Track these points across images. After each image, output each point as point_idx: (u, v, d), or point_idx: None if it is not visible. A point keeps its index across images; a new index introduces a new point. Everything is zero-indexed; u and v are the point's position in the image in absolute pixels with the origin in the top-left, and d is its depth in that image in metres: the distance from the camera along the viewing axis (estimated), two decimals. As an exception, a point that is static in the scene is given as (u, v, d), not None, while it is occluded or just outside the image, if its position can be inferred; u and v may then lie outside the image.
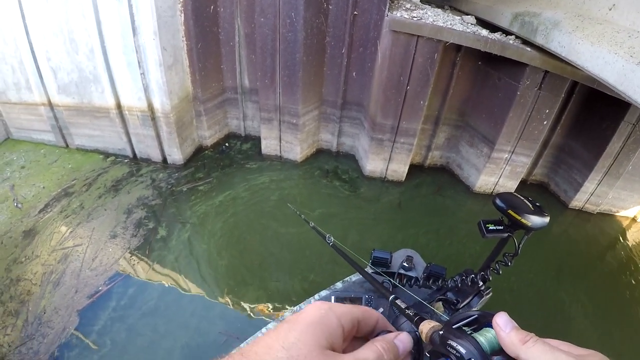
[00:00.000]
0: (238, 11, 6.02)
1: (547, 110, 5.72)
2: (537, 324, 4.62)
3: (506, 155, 6.18)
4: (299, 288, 4.71)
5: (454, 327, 0.67)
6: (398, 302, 1.26)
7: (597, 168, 6.20)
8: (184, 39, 5.79)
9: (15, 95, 6.25)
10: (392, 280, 2.69)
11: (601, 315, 4.92)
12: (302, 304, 2.77)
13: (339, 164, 7.16)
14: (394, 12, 5.44)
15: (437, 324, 0.74)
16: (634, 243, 6.46)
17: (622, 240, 6.48)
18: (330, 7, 5.71)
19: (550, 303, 4.99)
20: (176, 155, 6.45)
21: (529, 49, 5.21)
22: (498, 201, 1.83)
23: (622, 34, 3.66)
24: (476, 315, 0.68)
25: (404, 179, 6.79)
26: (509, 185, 6.59)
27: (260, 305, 4.46)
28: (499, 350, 0.62)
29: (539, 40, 4.89)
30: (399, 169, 6.70)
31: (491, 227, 1.85)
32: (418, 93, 5.86)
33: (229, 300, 4.49)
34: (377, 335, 0.67)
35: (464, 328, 0.66)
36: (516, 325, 0.61)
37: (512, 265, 2.01)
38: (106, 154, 6.61)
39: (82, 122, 6.22)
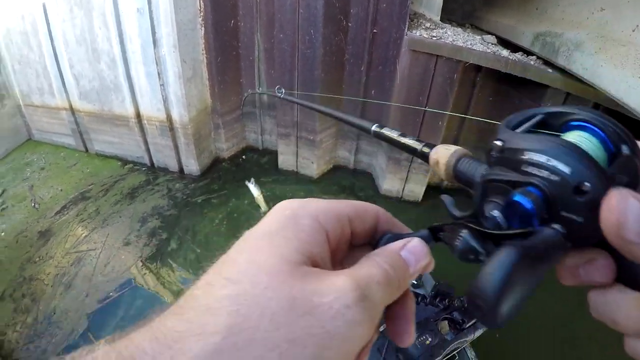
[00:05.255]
0: (258, 26, 6.21)
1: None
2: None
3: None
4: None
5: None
6: (385, 130, 1.03)
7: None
8: (204, 52, 6.01)
9: (38, 99, 6.66)
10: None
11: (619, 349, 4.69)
12: None
13: (356, 181, 7.21)
14: (414, 31, 5.49)
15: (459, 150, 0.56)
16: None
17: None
18: (350, 24, 5.81)
19: (568, 331, 4.89)
20: (193, 166, 6.65)
21: (550, 70, 5.16)
22: None
23: (647, 57, 3.60)
24: (544, 114, 0.46)
25: (420, 200, 6.76)
26: None
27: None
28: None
29: (561, 61, 4.83)
30: (415, 189, 6.68)
31: None
32: (436, 113, 5.84)
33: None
34: (379, 242, 0.46)
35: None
36: None
37: None
38: (124, 161, 6.88)
39: (102, 128, 6.52)
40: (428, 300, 2.50)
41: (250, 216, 5.96)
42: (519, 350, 4.56)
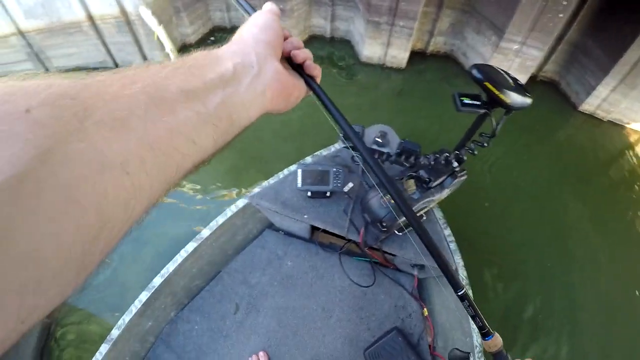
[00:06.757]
0: None
1: (565, 2, 5.20)
2: (537, 219, 4.84)
3: (516, 46, 5.78)
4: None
5: None
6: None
7: (613, 73, 5.72)
8: None
9: None
10: (362, 154, 2.72)
11: (600, 220, 5.00)
12: (270, 179, 2.81)
13: (335, 50, 6.89)
14: None
15: None
16: (641, 158, 6.25)
17: (629, 153, 6.20)
18: None
19: (553, 201, 5.11)
20: (159, 58, 6.22)
21: None
22: (475, 72, 1.64)
23: None
24: None
25: (404, 66, 6.54)
26: (518, 79, 6.07)
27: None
28: None
29: None
30: (398, 54, 6.41)
31: (467, 100, 1.71)
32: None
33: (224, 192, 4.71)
34: None
35: None
36: None
37: (490, 146, 1.90)
38: (88, 70, 6.37)
39: (56, 42, 5.90)
40: (393, 158, 2.34)
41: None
42: (493, 214, 4.82)
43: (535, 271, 4.34)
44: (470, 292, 2.39)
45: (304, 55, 0.72)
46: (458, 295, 1.03)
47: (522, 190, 5.11)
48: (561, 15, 5.35)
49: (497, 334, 1.16)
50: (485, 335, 1.14)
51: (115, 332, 2.30)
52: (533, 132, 5.76)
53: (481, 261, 4.27)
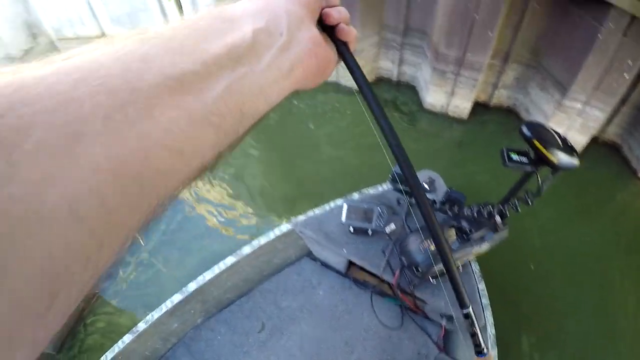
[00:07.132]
0: None
1: (631, 62, 5.08)
2: (583, 286, 4.68)
3: (579, 106, 5.64)
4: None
5: None
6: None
7: (677, 140, 5.44)
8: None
9: (70, 31, 6.46)
10: (408, 198, 2.74)
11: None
12: (316, 209, 2.86)
13: (399, 95, 6.97)
14: None
15: None
16: None
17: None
18: None
19: (601, 270, 4.87)
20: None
21: (616, -14, 4.55)
22: (524, 129, 1.70)
23: None
24: None
25: (466, 117, 6.51)
26: (579, 139, 6.00)
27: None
28: None
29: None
30: (461, 104, 6.41)
31: (514, 156, 1.75)
32: (486, 23, 5.44)
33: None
34: None
35: None
36: None
37: (533, 206, 1.90)
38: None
39: (136, 51, 6.46)
40: (438, 206, 2.37)
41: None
42: (537, 275, 4.67)
43: (573, 343, 4.17)
44: (495, 352, 2.38)
45: (338, 15, 0.55)
46: (463, 314, 1.13)
47: (570, 253, 4.93)
48: (626, 75, 5.20)
49: (490, 354, 1.31)
50: (478, 352, 1.26)
51: (141, 325, 2.42)
52: (588, 195, 5.59)
53: (520, 319, 4.15)
